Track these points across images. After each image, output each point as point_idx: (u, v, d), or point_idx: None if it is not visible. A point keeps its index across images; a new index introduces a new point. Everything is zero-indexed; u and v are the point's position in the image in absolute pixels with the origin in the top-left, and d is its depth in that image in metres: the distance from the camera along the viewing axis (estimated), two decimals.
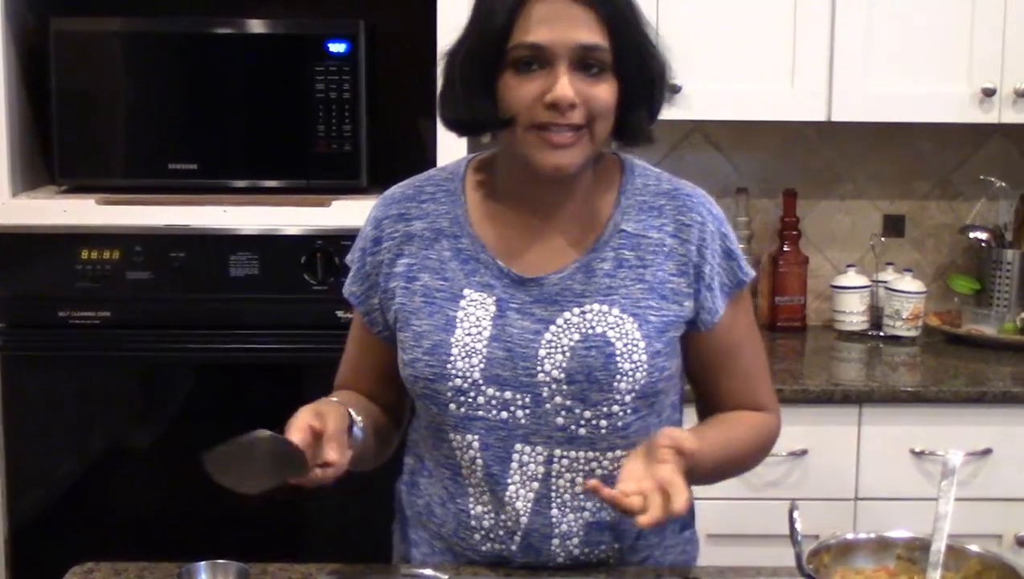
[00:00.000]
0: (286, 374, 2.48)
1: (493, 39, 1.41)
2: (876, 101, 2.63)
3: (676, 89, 2.60)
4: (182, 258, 2.45)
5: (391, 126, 2.65)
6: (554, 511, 1.50)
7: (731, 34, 2.62)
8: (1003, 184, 2.92)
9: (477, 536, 1.53)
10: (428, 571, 1.49)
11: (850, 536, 1.44)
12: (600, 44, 1.40)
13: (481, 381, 1.47)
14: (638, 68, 1.44)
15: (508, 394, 1.47)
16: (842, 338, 2.87)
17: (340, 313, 2.39)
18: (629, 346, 1.46)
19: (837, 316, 2.90)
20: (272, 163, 2.56)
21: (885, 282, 2.88)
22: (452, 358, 1.47)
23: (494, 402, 1.47)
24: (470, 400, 1.48)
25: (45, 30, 2.49)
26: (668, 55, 1.50)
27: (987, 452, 2.42)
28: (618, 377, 1.45)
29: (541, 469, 1.48)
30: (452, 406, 1.49)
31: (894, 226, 3.03)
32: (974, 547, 1.38)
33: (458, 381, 1.47)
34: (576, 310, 1.47)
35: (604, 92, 1.42)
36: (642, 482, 1.32)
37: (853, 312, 2.88)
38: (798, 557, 1.34)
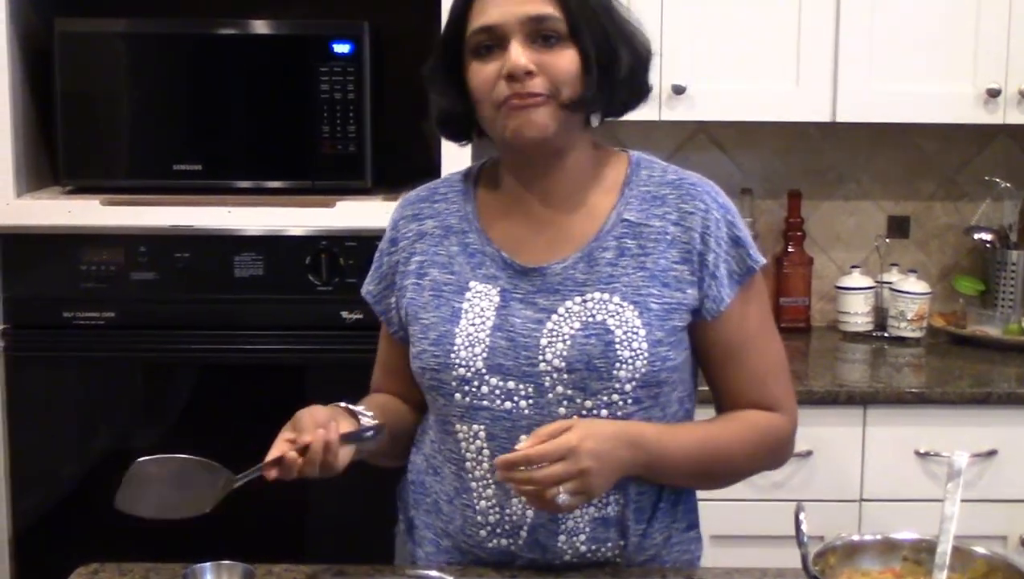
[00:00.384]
0: (290, 375, 2.49)
1: (453, 33, 1.49)
2: (881, 101, 2.63)
3: (680, 89, 2.61)
4: (186, 259, 2.45)
5: (395, 127, 2.65)
6: None
7: (735, 35, 2.62)
8: (1008, 185, 2.91)
9: (483, 532, 1.53)
10: (434, 573, 1.49)
11: (856, 537, 1.43)
12: (550, 13, 1.44)
13: (484, 370, 1.48)
14: (598, 35, 1.46)
15: (511, 384, 1.48)
16: (847, 339, 2.87)
17: (344, 314, 2.39)
18: (629, 334, 1.46)
19: (841, 317, 2.90)
20: (276, 164, 2.56)
21: (890, 283, 2.88)
22: (456, 348, 1.49)
23: (498, 392, 1.48)
24: (474, 389, 1.49)
25: (50, 31, 2.49)
26: (642, 29, 1.52)
27: (992, 453, 2.42)
28: (617, 365, 1.46)
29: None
30: (457, 396, 1.50)
31: (899, 227, 3.03)
32: (980, 549, 1.38)
33: (462, 370, 1.49)
34: (578, 299, 1.48)
35: (562, 60, 1.45)
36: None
37: (858, 313, 2.87)
38: (804, 558, 1.34)
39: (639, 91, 1.53)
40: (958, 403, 2.43)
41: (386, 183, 2.53)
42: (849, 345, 2.84)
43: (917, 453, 2.43)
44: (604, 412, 1.47)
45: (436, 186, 1.63)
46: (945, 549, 1.33)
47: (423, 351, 1.52)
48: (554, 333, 1.47)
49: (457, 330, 1.50)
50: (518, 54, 1.42)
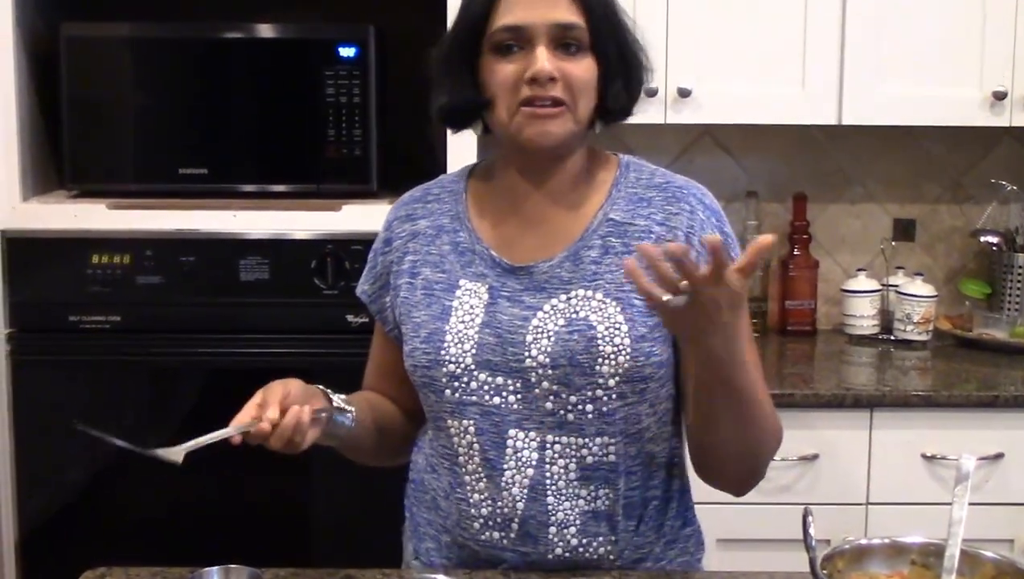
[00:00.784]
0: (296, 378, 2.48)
1: (472, 26, 1.49)
2: (886, 104, 2.63)
3: (686, 93, 2.61)
4: (192, 262, 2.46)
5: (401, 130, 2.65)
6: (550, 499, 1.51)
7: (741, 37, 2.62)
8: (1014, 187, 2.91)
9: (476, 525, 1.54)
10: (439, 576, 1.51)
11: (864, 541, 1.43)
12: (576, 23, 1.47)
13: (473, 366, 1.51)
14: (616, 48, 1.50)
15: (500, 379, 1.50)
16: (853, 342, 2.87)
17: (350, 317, 2.40)
18: (611, 329, 1.48)
19: (847, 320, 2.89)
20: (282, 167, 2.57)
21: (896, 286, 2.88)
22: (446, 345, 1.52)
23: (487, 387, 1.51)
24: (463, 385, 1.51)
25: (56, 36, 2.49)
26: (645, 45, 1.55)
27: (999, 456, 2.42)
28: (600, 360, 1.47)
29: (535, 455, 1.51)
30: (447, 392, 1.52)
31: (904, 230, 3.03)
32: (989, 552, 1.38)
33: (451, 366, 1.51)
34: (563, 297, 1.51)
35: (582, 69, 1.47)
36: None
37: (864, 316, 2.87)
38: (812, 562, 1.33)
39: (633, 100, 1.56)
40: (964, 406, 2.42)
41: (391, 187, 2.53)
42: (855, 348, 2.84)
43: (924, 456, 2.43)
44: (589, 406, 1.49)
45: (429, 187, 1.66)
46: (954, 553, 1.33)
47: (415, 349, 1.55)
48: (539, 330, 1.49)
49: (447, 327, 1.52)
50: (544, 59, 1.45)
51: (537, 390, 1.49)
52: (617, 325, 1.48)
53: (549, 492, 1.51)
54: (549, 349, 1.48)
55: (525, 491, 1.51)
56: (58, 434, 2.51)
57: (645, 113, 1.58)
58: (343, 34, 2.50)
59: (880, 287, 2.89)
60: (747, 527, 2.40)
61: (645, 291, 1.27)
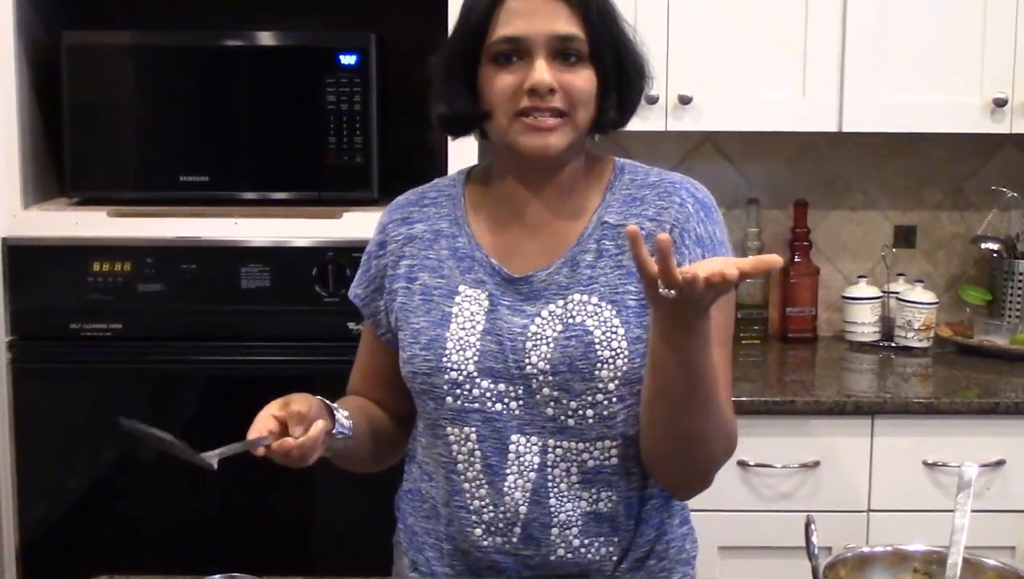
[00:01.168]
0: (297, 386, 2.44)
1: (471, 36, 1.49)
2: (887, 111, 2.63)
3: (687, 100, 2.61)
4: (193, 270, 2.46)
5: (402, 138, 2.65)
6: (552, 501, 1.51)
7: (742, 45, 2.62)
8: (1015, 194, 2.91)
9: (478, 531, 1.54)
10: None
11: (867, 549, 1.43)
12: (576, 34, 1.47)
13: (475, 373, 1.50)
14: (614, 60, 1.50)
15: (502, 386, 1.50)
16: (853, 349, 2.86)
17: (351, 325, 2.39)
18: (608, 333, 1.48)
19: (848, 327, 2.89)
20: (283, 175, 2.57)
21: (896, 293, 2.88)
22: (447, 351, 1.51)
23: (489, 394, 1.50)
24: (465, 392, 1.51)
25: (57, 44, 2.50)
26: (646, 54, 1.55)
27: (1000, 463, 2.41)
28: (599, 365, 1.47)
29: (537, 459, 1.51)
30: (449, 399, 1.52)
31: (905, 237, 3.03)
32: (991, 560, 1.37)
33: (453, 374, 1.51)
34: (560, 302, 1.51)
35: (582, 80, 1.48)
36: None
37: (864, 323, 2.87)
38: (815, 571, 1.33)
39: (630, 112, 1.56)
40: (966, 413, 2.42)
41: (392, 194, 2.51)
42: (856, 355, 2.83)
43: (925, 463, 2.43)
44: (590, 412, 1.49)
45: (425, 191, 1.65)
46: (956, 561, 1.32)
47: (414, 356, 1.54)
48: (538, 336, 1.49)
49: (448, 334, 1.52)
50: (543, 70, 1.45)
51: (538, 396, 1.50)
52: (613, 328, 1.48)
53: (551, 495, 1.51)
54: (548, 355, 1.48)
55: (527, 495, 1.51)
56: (59, 442, 2.51)
57: (646, 120, 1.58)
58: (344, 42, 2.50)
59: (881, 294, 2.89)
60: (749, 535, 2.40)
61: (642, 260, 1.26)
